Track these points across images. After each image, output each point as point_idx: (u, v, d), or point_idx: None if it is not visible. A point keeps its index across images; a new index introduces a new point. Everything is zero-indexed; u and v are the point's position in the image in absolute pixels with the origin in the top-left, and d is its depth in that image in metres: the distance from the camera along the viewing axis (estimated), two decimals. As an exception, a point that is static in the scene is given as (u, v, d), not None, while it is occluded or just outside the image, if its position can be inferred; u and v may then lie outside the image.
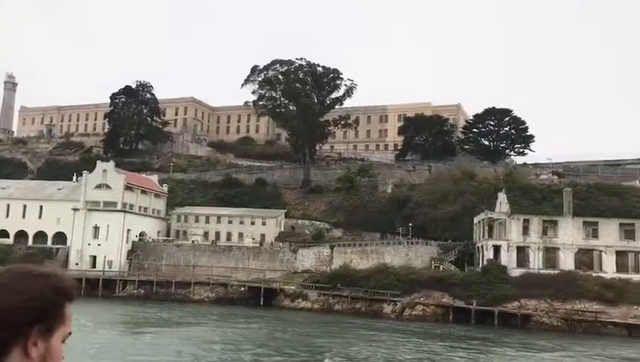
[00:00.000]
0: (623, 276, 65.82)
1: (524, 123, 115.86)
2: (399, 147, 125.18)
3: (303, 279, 77.78)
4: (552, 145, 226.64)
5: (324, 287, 73.63)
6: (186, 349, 38.01)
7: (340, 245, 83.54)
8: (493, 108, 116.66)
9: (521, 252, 69.81)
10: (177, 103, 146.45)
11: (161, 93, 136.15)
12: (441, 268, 75.25)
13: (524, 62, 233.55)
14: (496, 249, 70.14)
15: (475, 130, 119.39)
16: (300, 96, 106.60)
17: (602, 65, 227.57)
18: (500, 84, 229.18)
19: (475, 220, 78.43)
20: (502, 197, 74.24)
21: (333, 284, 73.46)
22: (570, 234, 69.15)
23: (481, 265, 72.02)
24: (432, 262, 76.15)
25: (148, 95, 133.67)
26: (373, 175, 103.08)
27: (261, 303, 74.57)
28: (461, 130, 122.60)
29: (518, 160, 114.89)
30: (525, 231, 69.99)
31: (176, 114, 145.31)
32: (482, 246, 72.05)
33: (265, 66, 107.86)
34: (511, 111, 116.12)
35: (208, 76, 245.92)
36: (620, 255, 68.31)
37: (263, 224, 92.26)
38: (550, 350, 45.95)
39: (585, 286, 64.17)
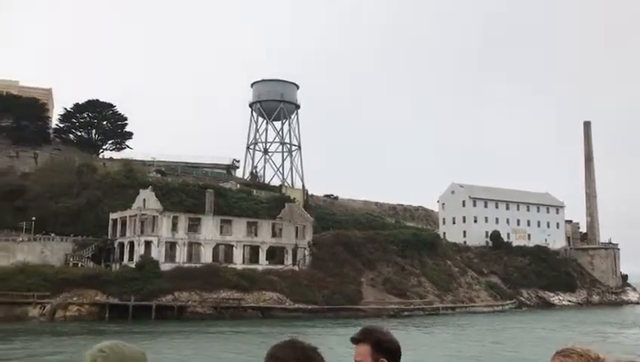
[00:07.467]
0: (250, 266, 77.44)
1: (125, 119, 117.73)
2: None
3: None
4: (152, 143, 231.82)
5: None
6: None
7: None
8: (97, 100, 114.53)
9: (170, 247, 73.60)
10: None
11: None
12: (79, 264, 71.84)
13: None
14: (147, 244, 71.90)
15: (73, 120, 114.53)
16: None
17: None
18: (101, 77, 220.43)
19: (114, 216, 77.68)
20: (148, 194, 76.22)
21: (-45, 290, 61.07)
22: (210, 230, 76.85)
23: (125, 261, 72.41)
24: (71, 259, 71.85)
25: None
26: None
27: None
28: (59, 117, 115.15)
29: (119, 155, 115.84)
30: (174, 227, 74.13)
31: None
32: (133, 242, 72.49)
33: None
34: (114, 106, 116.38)
35: None
36: (246, 249, 79.94)
37: None
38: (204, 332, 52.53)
39: (225, 277, 72.78)
